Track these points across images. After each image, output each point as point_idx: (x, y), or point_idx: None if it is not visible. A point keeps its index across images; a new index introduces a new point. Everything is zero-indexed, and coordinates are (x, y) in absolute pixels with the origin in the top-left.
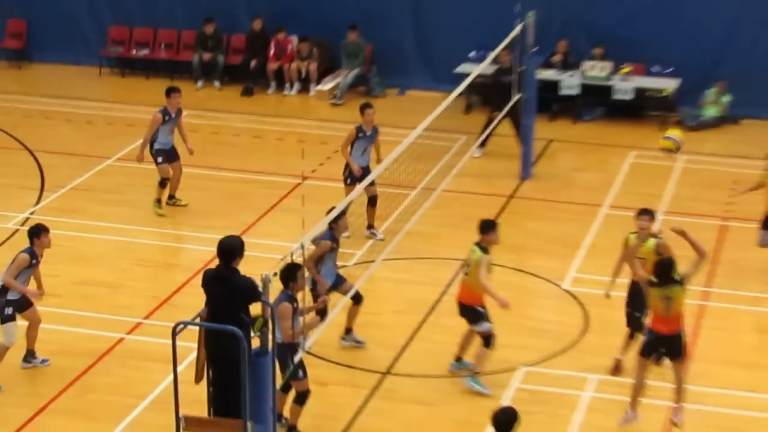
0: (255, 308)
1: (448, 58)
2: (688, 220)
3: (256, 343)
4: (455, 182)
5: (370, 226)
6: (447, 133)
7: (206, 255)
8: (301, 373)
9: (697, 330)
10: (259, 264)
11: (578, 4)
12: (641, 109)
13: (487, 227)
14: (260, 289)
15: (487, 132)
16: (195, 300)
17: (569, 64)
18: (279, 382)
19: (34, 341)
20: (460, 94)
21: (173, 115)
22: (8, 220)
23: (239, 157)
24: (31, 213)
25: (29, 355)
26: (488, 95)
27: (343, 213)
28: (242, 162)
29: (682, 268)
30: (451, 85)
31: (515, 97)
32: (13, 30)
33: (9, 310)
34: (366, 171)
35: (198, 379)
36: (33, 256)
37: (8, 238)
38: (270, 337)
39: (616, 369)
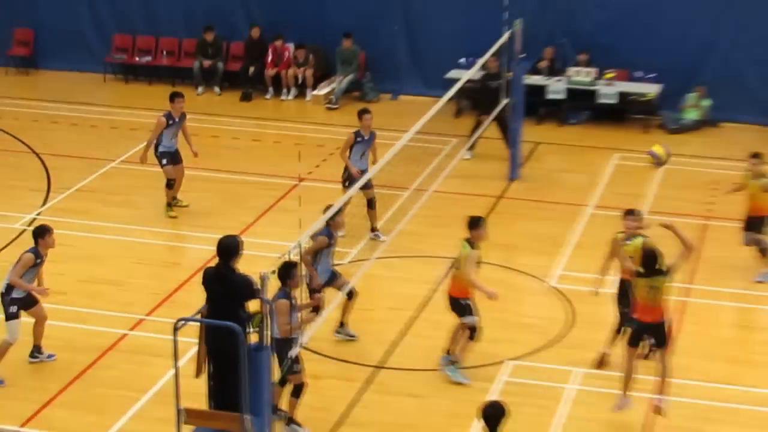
0: (253, 305)
1: (439, 65)
2: (657, 222)
3: (254, 338)
4: (446, 183)
5: (374, 229)
6: (438, 136)
7: (206, 254)
8: (297, 367)
9: (679, 325)
10: (257, 262)
11: (564, 12)
12: (625, 113)
13: (475, 223)
14: (258, 286)
15: (477, 135)
16: (195, 297)
17: (555, 69)
18: (276, 376)
19: (41, 337)
20: (451, 99)
21: (177, 120)
22: (16, 221)
23: (238, 159)
24: (38, 214)
25: (36, 351)
26: (476, 99)
27: (339, 211)
28: (241, 164)
29: (668, 260)
30: (442, 90)
31: (503, 102)
32: (21, 38)
33: (13, 308)
34: (364, 174)
35: (198, 373)
36: (38, 256)
37: (16, 238)
38: (267, 332)
39: (602, 362)
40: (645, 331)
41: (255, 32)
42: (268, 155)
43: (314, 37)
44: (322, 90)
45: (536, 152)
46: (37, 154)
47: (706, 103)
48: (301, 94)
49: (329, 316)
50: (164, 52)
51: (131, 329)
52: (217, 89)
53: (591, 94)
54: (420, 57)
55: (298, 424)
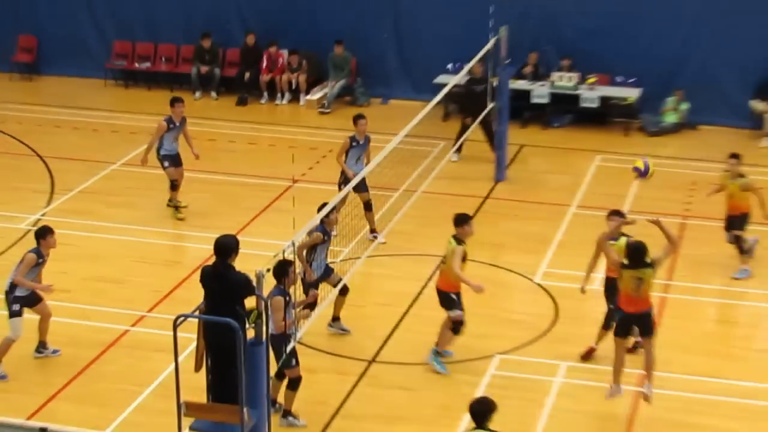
0: (250, 301)
1: (427, 70)
2: (645, 220)
3: (251, 333)
4: (434, 184)
5: (372, 230)
6: (426, 139)
7: (204, 252)
8: (293, 361)
9: (660, 320)
10: (253, 261)
11: (547, 20)
12: (606, 116)
13: (461, 220)
14: (254, 283)
15: (464, 138)
16: (194, 294)
17: (539, 75)
18: (273, 370)
19: (46, 333)
20: (439, 103)
21: (177, 124)
22: (21, 221)
23: (235, 162)
24: (42, 214)
25: (41, 346)
26: (461, 103)
27: (333, 209)
28: (237, 166)
29: (653, 254)
30: (430, 94)
31: (489, 106)
32: (25, 45)
33: (16, 307)
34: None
35: (197, 367)
36: (39, 256)
37: (21, 238)
38: (264, 328)
39: (588, 355)
40: (631, 321)
41: (250, 39)
42: (263, 158)
43: (307, 43)
44: (315, 95)
45: (521, 154)
46: (40, 157)
47: (685, 106)
48: (294, 98)
49: (323, 312)
50: (163, 59)
51: (133, 325)
52: (214, 94)
53: (574, 99)
54: (409, 63)
55: (295, 417)
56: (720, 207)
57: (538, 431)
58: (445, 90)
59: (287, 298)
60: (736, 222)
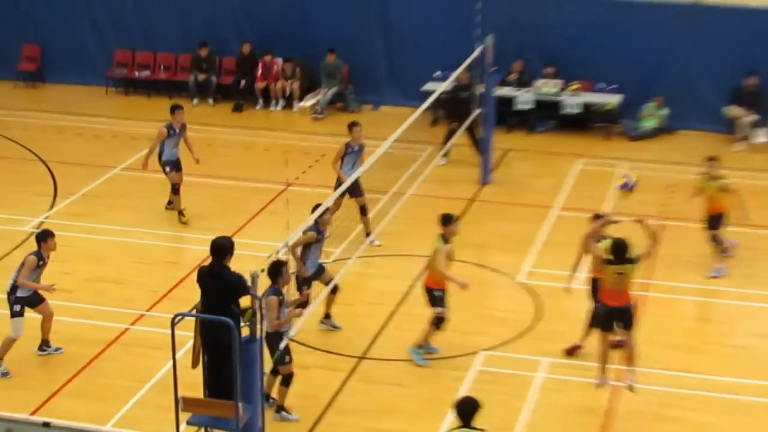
0: (245, 301)
1: (416, 78)
2: (629, 220)
3: (245, 331)
4: (422, 187)
5: (368, 234)
6: (415, 144)
7: (201, 253)
8: (287, 358)
9: (639, 317)
10: (248, 261)
11: (531, 29)
12: (588, 122)
13: (447, 220)
14: (249, 283)
15: (451, 142)
16: (191, 294)
17: (523, 82)
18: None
19: (48, 332)
20: (427, 109)
21: (177, 130)
22: (25, 224)
23: (231, 166)
24: (46, 217)
25: (44, 344)
26: (447, 108)
27: (326, 210)
28: (233, 170)
29: (636, 251)
30: (419, 101)
31: (475, 112)
32: (29, 54)
33: (17, 307)
34: (355, 183)
35: (194, 364)
36: (40, 258)
37: (25, 240)
38: (258, 326)
39: (572, 351)
40: (613, 315)
41: (246, 48)
42: (258, 162)
43: (300, 52)
44: (308, 101)
45: (506, 158)
46: (44, 162)
47: (663, 112)
48: (288, 105)
49: (315, 311)
50: (162, 67)
51: (132, 324)
52: (210, 101)
53: (557, 105)
54: (398, 70)
55: (288, 411)
56: (697, 209)
57: (521, 424)
58: (433, 97)
59: (281, 298)
60: (715, 221)
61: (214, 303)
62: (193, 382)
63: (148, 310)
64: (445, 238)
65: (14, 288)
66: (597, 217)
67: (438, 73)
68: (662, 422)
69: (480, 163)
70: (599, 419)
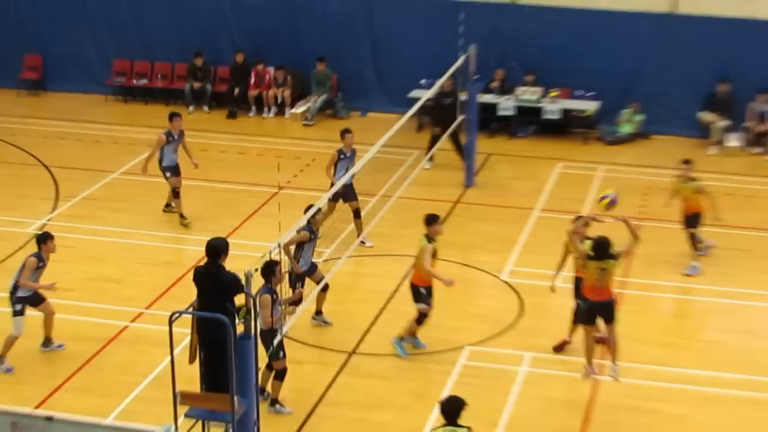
0: (239, 299)
1: (402, 85)
2: (608, 221)
3: (240, 328)
4: (409, 190)
5: (359, 235)
6: (402, 149)
7: (197, 254)
8: (280, 353)
9: (617, 314)
10: (242, 261)
11: (513, 39)
12: (567, 127)
13: (431, 220)
14: (243, 282)
15: (435, 147)
16: (188, 292)
17: (505, 89)
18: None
19: (51, 329)
20: (413, 116)
21: (176, 137)
22: (28, 226)
23: (225, 170)
24: (48, 220)
25: (47, 341)
26: (431, 114)
27: (319, 210)
28: (228, 174)
29: (617, 247)
30: (405, 107)
31: (459, 118)
32: (31, 64)
33: (19, 306)
34: (349, 188)
35: (191, 360)
36: (40, 260)
37: (28, 241)
38: (252, 323)
39: (560, 347)
40: (596, 309)
41: (239, 57)
42: (251, 166)
43: (292, 61)
44: (299, 108)
45: (489, 162)
46: (46, 167)
47: (639, 117)
48: (280, 112)
49: (308, 308)
50: (159, 76)
51: (132, 321)
52: (206, 108)
53: (537, 111)
54: (385, 79)
55: (282, 405)
56: (672, 210)
57: (506, 417)
58: (419, 104)
59: (274, 296)
60: (691, 220)
61: (210, 301)
62: (191, 377)
63: (146, 308)
64: (430, 238)
65: (15, 288)
66: (580, 218)
67: (423, 81)
68: (641, 414)
69: (463, 167)
70: (580, 411)
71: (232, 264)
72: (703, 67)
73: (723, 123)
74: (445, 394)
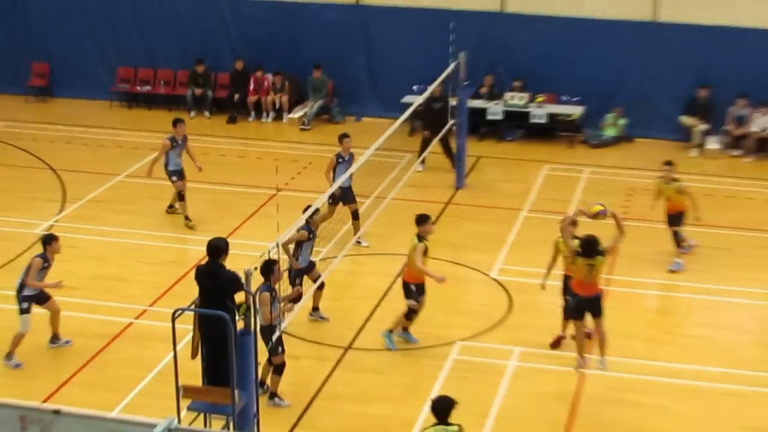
0: (240, 296)
1: (395, 91)
2: (591, 221)
3: (241, 325)
4: (402, 192)
5: (357, 236)
6: (395, 152)
7: (199, 253)
8: (279, 349)
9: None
10: (242, 260)
11: (501, 46)
12: (553, 131)
13: (422, 220)
14: (243, 280)
15: (427, 150)
16: (190, 290)
17: (494, 94)
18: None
19: (57, 326)
20: (406, 120)
21: (180, 142)
22: (36, 227)
23: (225, 173)
24: (55, 221)
25: (54, 338)
26: (421, 118)
27: (317, 210)
28: (228, 177)
29: (604, 243)
30: (398, 112)
31: (449, 122)
32: (39, 71)
33: (25, 305)
34: (348, 191)
35: (193, 355)
36: (45, 260)
37: (36, 242)
38: (252, 320)
39: (557, 343)
40: (584, 304)
41: (239, 65)
42: (250, 169)
43: (289, 68)
44: (297, 113)
45: (478, 165)
46: (53, 170)
47: (623, 121)
48: (278, 117)
49: (305, 305)
50: (162, 82)
51: (136, 318)
52: (207, 113)
53: (524, 115)
54: (379, 85)
55: (281, 398)
56: (655, 210)
57: (495, 409)
58: (411, 109)
59: (273, 294)
60: (674, 219)
61: (211, 299)
62: (193, 372)
63: (150, 306)
64: (421, 237)
65: (22, 287)
66: (567, 218)
67: (416, 87)
68: (625, 406)
69: (452, 169)
70: (567, 403)
71: (232, 263)
72: (684, 73)
73: (703, 126)
74: (437, 387)
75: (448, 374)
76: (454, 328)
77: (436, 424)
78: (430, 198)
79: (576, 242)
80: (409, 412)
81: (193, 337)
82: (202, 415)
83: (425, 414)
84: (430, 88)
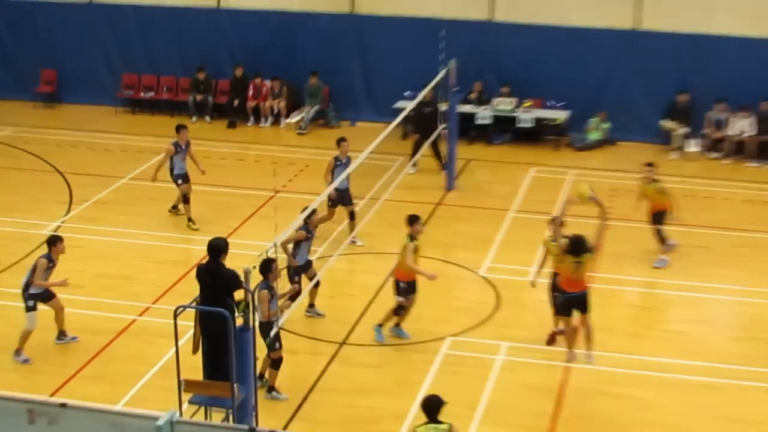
0: (239, 294)
1: (388, 97)
2: (576, 221)
3: (240, 321)
4: (395, 193)
5: (352, 235)
6: (388, 155)
7: (200, 253)
8: (277, 344)
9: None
10: (241, 259)
11: (490, 54)
12: (540, 135)
13: (412, 220)
14: (242, 278)
15: (419, 154)
16: (192, 288)
17: (483, 100)
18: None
19: (63, 323)
20: (398, 125)
21: (183, 147)
22: (44, 228)
23: (225, 175)
24: (62, 222)
25: (61, 334)
26: (412, 122)
27: (314, 211)
28: (228, 179)
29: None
30: (391, 117)
31: (439, 127)
32: (47, 78)
33: (31, 303)
34: (346, 193)
35: (194, 350)
36: (50, 260)
37: (44, 242)
38: (251, 316)
39: (552, 339)
40: (572, 301)
41: (238, 71)
42: (249, 172)
43: (286, 75)
44: (294, 118)
45: (468, 167)
46: (60, 173)
47: (606, 125)
48: (276, 122)
49: (302, 303)
50: (164, 89)
51: (140, 315)
52: (207, 119)
53: (512, 120)
54: (373, 91)
55: (278, 391)
56: (638, 211)
57: (484, 401)
58: (404, 114)
59: (271, 291)
60: (657, 218)
61: (212, 296)
62: (194, 366)
63: (153, 303)
64: (412, 237)
65: (27, 286)
66: (555, 219)
67: (408, 93)
68: (607, 398)
69: (439, 171)
70: (553, 396)
71: (231, 262)
72: (665, 79)
73: (683, 130)
74: (428, 381)
75: (439, 368)
76: (445, 324)
77: (427, 423)
78: (422, 199)
79: (564, 241)
80: (401, 405)
81: (195, 333)
82: (202, 408)
83: (417, 406)
84: (421, 94)
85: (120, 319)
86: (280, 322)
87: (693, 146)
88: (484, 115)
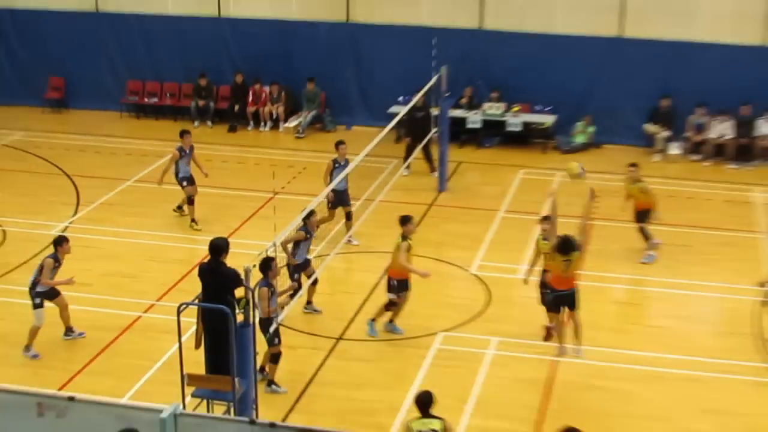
0: (240, 291)
1: (383, 102)
2: (563, 220)
3: (240, 318)
4: (389, 195)
5: (348, 235)
6: (382, 158)
7: (202, 252)
8: (276, 340)
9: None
10: (241, 258)
11: (480, 60)
12: (528, 138)
13: (404, 220)
14: (243, 277)
15: (412, 157)
16: (194, 286)
17: (473, 105)
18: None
19: (68, 320)
20: (392, 129)
21: (187, 151)
22: (52, 228)
23: (226, 178)
24: (70, 223)
25: (69, 330)
26: (404, 126)
27: (313, 212)
28: (229, 181)
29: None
30: (385, 122)
31: (431, 131)
32: (55, 84)
33: (38, 300)
34: (344, 194)
35: (197, 346)
36: (56, 260)
37: (52, 242)
38: (251, 313)
39: (548, 335)
40: (561, 298)
41: (239, 78)
42: (249, 174)
43: (285, 81)
44: (292, 123)
45: (459, 169)
46: (68, 176)
47: (591, 129)
48: (275, 126)
49: (300, 300)
50: (168, 95)
51: (144, 312)
52: (209, 123)
53: (501, 124)
54: (368, 96)
55: (277, 385)
56: (625, 211)
57: (475, 394)
58: (397, 118)
59: (271, 289)
60: (641, 216)
61: (213, 294)
62: (196, 361)
63: (157, 301)
64: (405, 236)
65: (34, 284)
66: (544, 219)
67: (401, 98)
68: (593, 391)
69: (430, 173)
70: (540, 389)
71: (232, 261)
72: (648, 85)
73: (665, 133)
74: (421, 374)
75: (432, 363)
76: (437, 320)
77: (420, 417)
78: (415, 200)
79: (552, 240)
80: (395, 398)
81: (197, 329)
82: (205, 401)
83: (410, 399)
84: (415, 99)
85: (125, 316)
86: (280, 318)
87: (675, 149)
88: (474, 119)
